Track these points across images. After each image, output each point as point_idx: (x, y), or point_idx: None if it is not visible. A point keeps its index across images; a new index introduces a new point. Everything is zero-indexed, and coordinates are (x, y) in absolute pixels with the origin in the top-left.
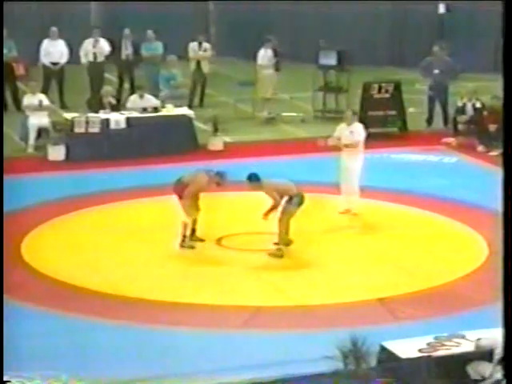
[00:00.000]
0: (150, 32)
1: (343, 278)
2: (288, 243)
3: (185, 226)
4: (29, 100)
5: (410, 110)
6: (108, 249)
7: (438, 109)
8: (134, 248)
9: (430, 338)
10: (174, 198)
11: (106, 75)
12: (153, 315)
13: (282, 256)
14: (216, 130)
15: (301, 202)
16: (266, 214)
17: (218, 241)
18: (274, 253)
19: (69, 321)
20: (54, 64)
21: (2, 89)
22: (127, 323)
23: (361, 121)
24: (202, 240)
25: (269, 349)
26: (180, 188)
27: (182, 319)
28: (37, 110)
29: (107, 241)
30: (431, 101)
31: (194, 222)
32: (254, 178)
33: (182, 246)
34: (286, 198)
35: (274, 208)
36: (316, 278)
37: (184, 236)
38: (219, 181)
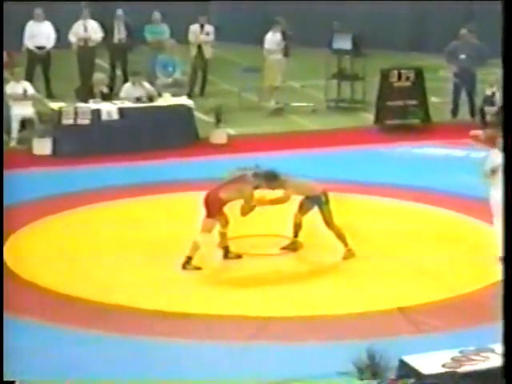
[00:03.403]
0: (156, 13)
1: (360, 285)
2: (347, 243)
3: (196, 247)
4: (12, 88)
5: (433, 99)
6: (99, 253)
7: (464, 98)
8: (129, 252)
9: (455, 352)
10: (172, 196)
11: (97, 61)
12: (150, 326)
13: (353, 255)
14: (219, 121)
15: (328, 200)
16: (263, 203)
17: None
18: (345, 257)
19: (57, 332)
20: (40, 48)
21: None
22: (121, 335)
23: (379, 111)
24: (239, 256)
25: (278, 363)
26: (218, 206)
27: (183, 331)
28: (20, 99)
29: (98, 244)
30: (457, 89)
31: (225, 237)
32: (271, 176)
33: (185, 267)
34: (310, 199)
35: (275, 202)
36: (330, 286)
37: (190, 258)
38: (259, 183)
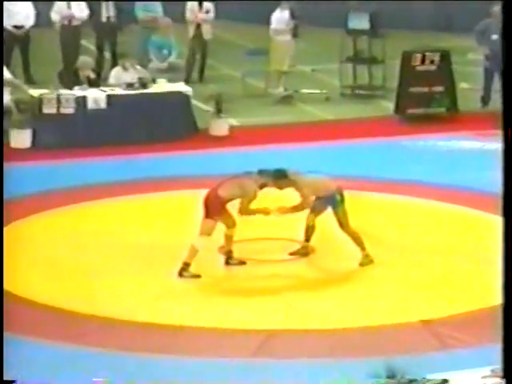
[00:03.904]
0: None
1: (378, 295)
2: (364, 247)
3: (194, 251)
4: None
5: (462, 85)
6: (84, 260)
7: (496, 84)
8: (119, 259)
9: (485, 371)
10: (167, 195)
11: (83, 42)
12: (143, 341)
13: (371, 261)
14: (219, 110)
15: (343, 199)
16: (284, 211)
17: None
18: (363, 263)
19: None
20: (18, 28)
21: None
22: (109, 350)
23: (400, 99)
24: (243, 263)
25: (285, 382)
26: (218, 205)
27: (178, 346)
28: None
29: (83, 250)
30: (488, 74)
31: (230, 240)
32: (280, 174)
33: (181, 275)
34: (323, 199)
35: (297, 209)
36: (345, 296)
37: (187, 264)
38: (266, 181)
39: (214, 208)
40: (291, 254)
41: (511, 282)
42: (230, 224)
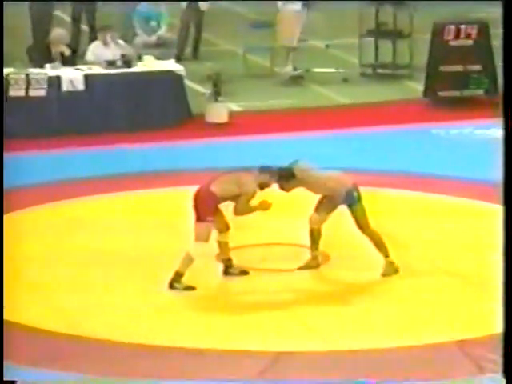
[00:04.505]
0: None
1: (404, 310)
2: (387, 253)
3: (189, 260)
4: None
5: None
6: (59, 270)
7: None
8: (100, 268)
9: None
10: (156, 192)
11: (56, 12)
12: (129, 364)
13: (396, 270)
14: (217, 93)
15: (360, 197)
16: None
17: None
18: (386, 272)
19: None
20: None
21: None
22: (90, 376)
23: (430, 79)
24: (245, 272)
25: None
26: (211, 203)
27: (170, 370)
28: None
29: (57, 258)
30: None
31: (225, 246)
32: (287, 174)
33: (173, 286)
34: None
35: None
36: (365, 312)
37: (180, 274)
38: (268, 181)
39: (206, 207)
40: (300, 268)
41: None
42: (223, 228)
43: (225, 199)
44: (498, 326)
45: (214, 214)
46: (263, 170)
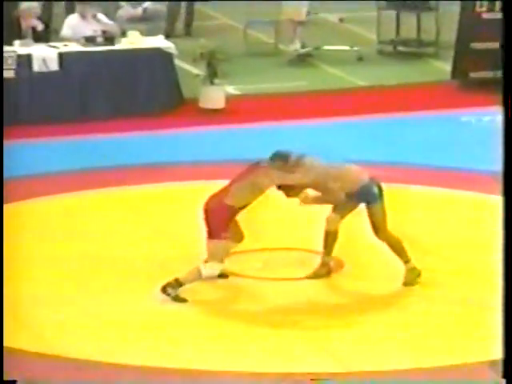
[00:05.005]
0: None
1: (429, 326)
2: (408, 259)
3: (196, 276)
4: None
5: None
6: (32, 277)
7: None
8: (80, 277)
9: None
10: (143, 189)
11: None
12: None
13: (419, 275)
14: (213, 74)
15: (382, 194)
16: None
17: None
18: (408, 280)
19: None
20: None
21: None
22: None
23: (459, 58)
24: (225, 276)
25: None
26: (227, 216)
27: None
28: None
29: (28, 264)
30: None
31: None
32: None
33: (165, 290)
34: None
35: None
36: (384, 328)
37: (179, 282)
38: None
39: (220, 222)
40: (308, 277)
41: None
42: (237, 238)
43: (245, 207)
44: None
45: (230, 227)
46: (275, 157)
